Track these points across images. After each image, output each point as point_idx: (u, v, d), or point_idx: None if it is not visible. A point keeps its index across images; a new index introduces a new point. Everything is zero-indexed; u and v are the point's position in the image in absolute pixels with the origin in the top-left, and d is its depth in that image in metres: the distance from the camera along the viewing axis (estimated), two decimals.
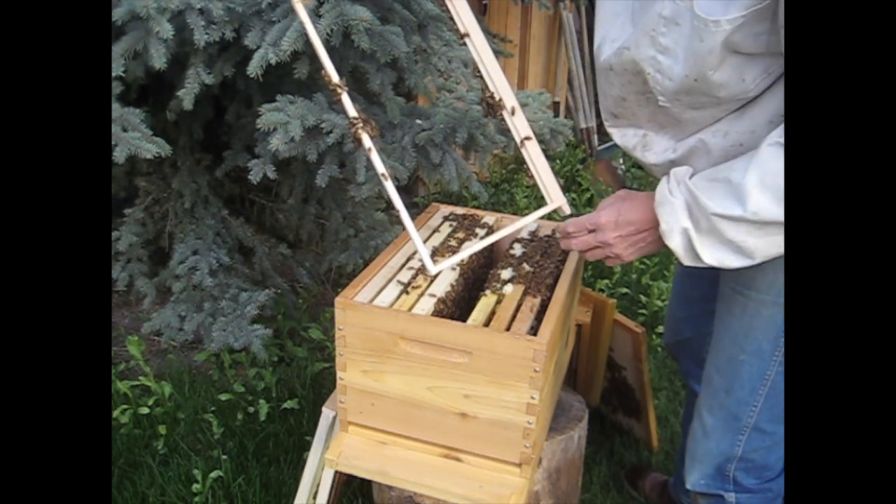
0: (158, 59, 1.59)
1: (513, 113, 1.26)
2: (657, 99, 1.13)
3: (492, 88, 1.26)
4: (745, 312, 1.21)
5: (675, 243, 1.10)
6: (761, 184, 0.99)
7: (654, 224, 1.13)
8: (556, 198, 1.28)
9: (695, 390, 1.65)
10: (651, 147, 1.22)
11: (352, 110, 1.29)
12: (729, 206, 1.02)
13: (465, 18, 1.24)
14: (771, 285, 1.16)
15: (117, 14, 1.57)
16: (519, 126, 1.26)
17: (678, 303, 1.60)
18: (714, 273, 1.39)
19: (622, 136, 1.26)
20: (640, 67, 1.11)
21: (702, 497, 1.36)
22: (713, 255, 1.07)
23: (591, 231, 1.20)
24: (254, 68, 1.62)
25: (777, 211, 0.98)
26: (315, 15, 1.57)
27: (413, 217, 1.58)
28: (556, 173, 3.90)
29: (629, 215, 1.16)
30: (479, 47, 1.23)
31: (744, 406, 1.25)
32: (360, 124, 1.29)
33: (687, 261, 1.11)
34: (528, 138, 1.25)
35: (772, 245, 1.03)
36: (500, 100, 1.26)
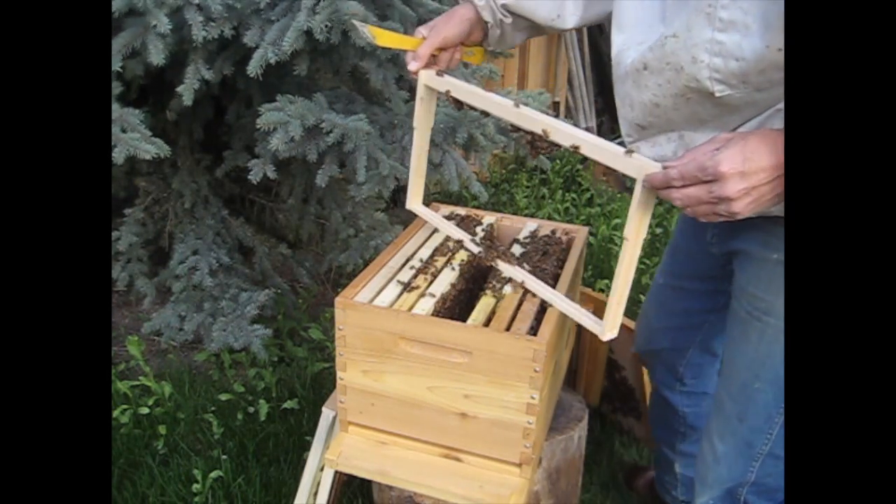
0: (156, 55, 1.58)
1: (547, 136, 1.14)
2: (712, 91, 0.99)
3: (525, 129, 1.19)
4: (763, 339, 1.14)
5: None
6: None
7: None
8: (643, 169, 1.02)
9: (664, 396, 1.61)
10: (694, 145, 1.04)
11: (476, 247, 1.42)
12: None
13: (477, 102, 1.23)
14: None
15: (115, 6, 1.57)
16: (561, 139, 1.13)
17: (657, 312, 1.54)
18: (704, 288, 1.36)
19: (653, 146, 1.13)
20: (692, 56, 0.98)
21: None
22: None
23: (705, 182, 0.93)
24: (254, 68, 1.62)
25: None
26: (311, 12, 1.57)
27: (412, 217, 1.58)
28: (557, 173, 3.90)
29: (759, 161, 0.90)
30: (499, 108, 1.20)
31: (758, 434, 1.19)
32: (491, 257, 1.42)
33: None
34: (575, 146, 1.10)
35: None
36: (533, 134, 1.17)
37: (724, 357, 1.27)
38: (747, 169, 0.90)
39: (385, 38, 1.33)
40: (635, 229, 1.05)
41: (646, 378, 1.99)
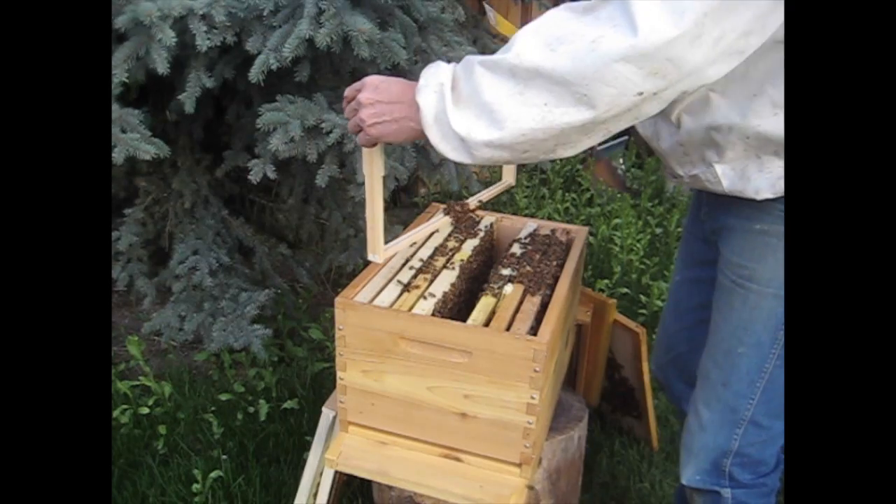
0: (161, 65, 1.59)
1: None
2: None
3: None
4: (746, 305, 1.20)
5: (427, 101, 1.02)
6: (533, 31, 0.94)
7: (413, 100, 1.06)
8: None
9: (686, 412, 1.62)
10: (660, 134, 1.22)
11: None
12: (496, 56, 0.97)
13: None
14: (772, 278, 1.16)
15: (120, 22, 1.58)
16: None
17: (673, 315, 1.57)
18: (711, 276, 1.39)
19: (643, 127, 1.26)
20: None
21: (697, 493, 1.35)
22: (463, 122, 0.99)
23: (357, 92, 1.13)
24: (255, 73, 1.62)
25: (540, 57, 0.92)
26: (315, 23, 1.58)
27: (412, 217, 1.58)
28: (557, 173, 3.90)
29: (391, 87, 1.11)
30: None
31: (741, 399, 1.25)
32: None
33: (433, 129, 1.02)
34: None
35: (526, 114, 0.95)
36: None
37: (710, 329, 1.30)
38: (381, 86, 1.11)
39: (504, 26, 1.46)
40: (366, 162, 1.25)
41: (646, 378, 1.99)
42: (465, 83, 0.99)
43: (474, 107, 0.98)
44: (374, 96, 1.10)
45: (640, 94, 0.90)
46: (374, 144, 1.20)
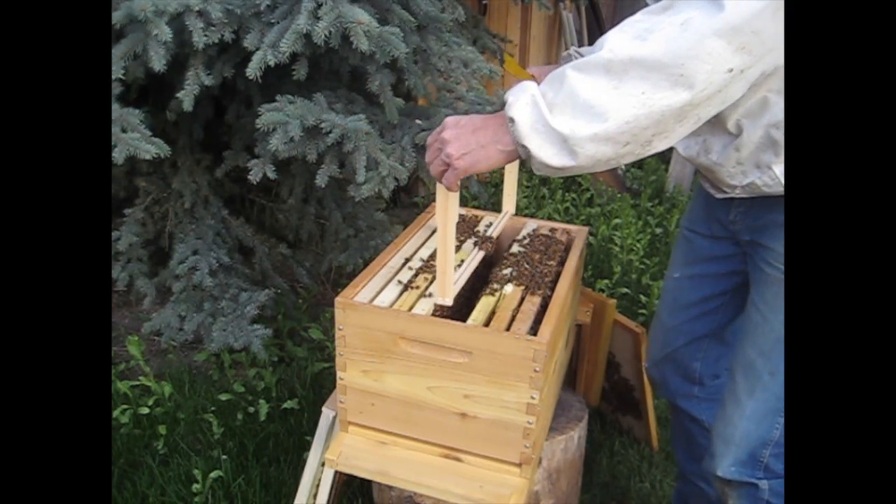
0: (158, 62, 1.59)
1: None
2: None
3: None
4: None
5: (521, 113, 1.02)
6: (619, 31, 0.98)
7: (499, 120, 1.07)
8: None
9: (683, 408, 1.60)
10: (711, 147, 1.21)
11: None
12: (587, 58, 0.99)
13: None
14: None
15: (115, 17, 1.57)
16: None
17: (670, 311, 1.56)
18: (720, 270, 1.40)
19: (686, 147, 1.26)
20: None
21: (730, 486, 1.32)
22: (564, 122, 0.99)
23: (439, 135, 1.13)
24: (252, 70, 1.62)
25: (632, 46, 0.95)
26: (314, 17, 1.57)
27: (412, 217, 1.58)
28: None
29: (475, 119, 1.11)
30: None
31: None
32: None
33: (531, 137, 1.01)
34: None
35: (626, 103, 0.96)
36: None
37: (751, 323, 1.29)
38: (461, 121, 1.11)
39: (511, 65, 1.59)
40: (440, 208, 1.21)
41: (646, 378, 1.99)
42: (557, 92, 1.00)
43: (571, 108, 0.99)
44: (456, 131, 1.10)
45: (730, 70, 0.94)
46: (459, 181, 1.16)
